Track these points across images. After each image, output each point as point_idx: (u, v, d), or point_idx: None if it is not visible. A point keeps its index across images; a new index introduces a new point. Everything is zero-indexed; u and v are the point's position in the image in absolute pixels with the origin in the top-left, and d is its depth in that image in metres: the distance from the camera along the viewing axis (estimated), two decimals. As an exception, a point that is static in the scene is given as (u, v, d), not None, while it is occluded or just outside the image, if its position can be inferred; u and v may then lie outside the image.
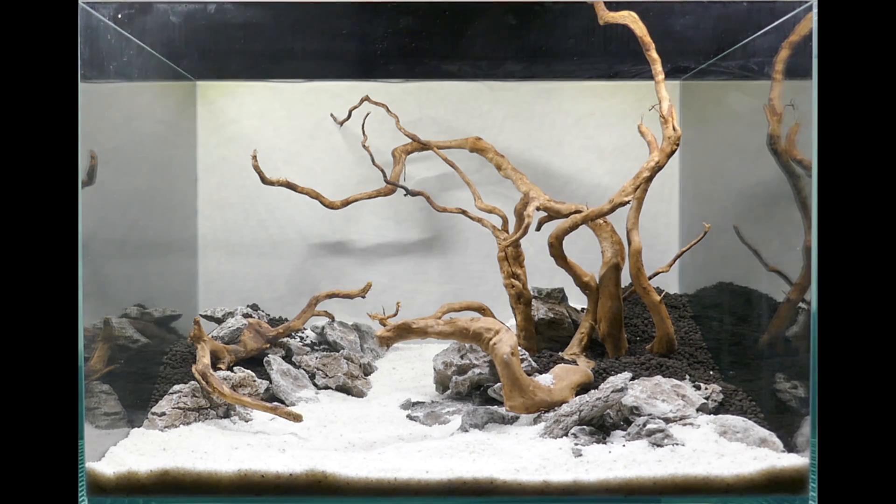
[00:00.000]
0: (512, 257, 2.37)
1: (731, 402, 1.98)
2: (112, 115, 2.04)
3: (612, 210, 2.08)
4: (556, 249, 2.24)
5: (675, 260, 2.34)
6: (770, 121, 2.00)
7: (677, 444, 1.74)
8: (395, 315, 2.43)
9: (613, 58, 2.42)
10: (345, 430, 1.95)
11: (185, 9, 2.04)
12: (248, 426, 1.99)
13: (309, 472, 1.65)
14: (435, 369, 2.24)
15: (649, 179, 2.07)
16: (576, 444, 1.76)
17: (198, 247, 2.81)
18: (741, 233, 2.22)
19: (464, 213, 2.61)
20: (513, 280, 2.36)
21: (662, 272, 2.36)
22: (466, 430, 1.88)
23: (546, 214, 2.35)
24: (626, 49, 2.18)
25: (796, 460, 1.69)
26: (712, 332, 2.39)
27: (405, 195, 2.67)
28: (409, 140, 2.69)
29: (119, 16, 1.95)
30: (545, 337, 2.43)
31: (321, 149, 2.82)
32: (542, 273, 2.50)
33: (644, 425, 1.78)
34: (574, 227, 2.18)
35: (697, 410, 1.89)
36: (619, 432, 1.82)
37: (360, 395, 2.29)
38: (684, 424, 1.84)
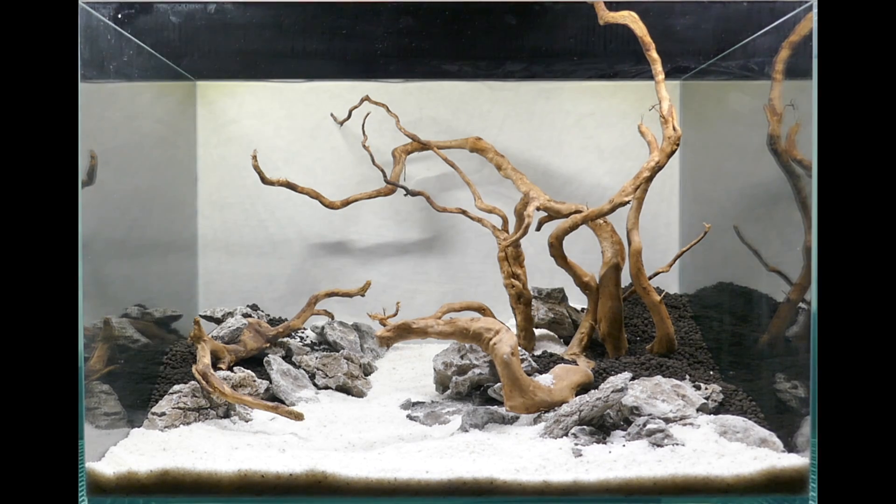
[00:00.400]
0: (512, 257, 2.37)
1: (732, 403, 1.98)
2: (112, 115, 2.04)
3: (613, 210, 2.08)
4: (556, 249, 2.24)
5: (675, 260, 2.34)
6: (770, 121, 2.00)
7: (677, 445, 1.73)
8: (395, 315, 2.42)
9: (613, 58, 2.42)
10: (345, 430, 1.95)
11: (184, 9, 2.04)
12: (248, 426, 1.99)
13: (309, 473, 1.65)
14: (435, 369, 2.23)
15: (649, 179, 2.07)
16: (576, 445, 1.76)
17: (198, 247, 2.81)
18: (741, 233, 2.22)
19: (464, 213, 2.60)
20: (513, 280, 2.36)
21: (662, 272, 2.36)
22: (466, 430, 1.88)
23: (546, 214, 2.35)
24: (626, 49, 2.18)
25: (796, 460, 1.69)
26: (712, 332, 2.39)
27: (405, 195, 2.66)
28: (409, 140, 2.69)
29: (119, 16, 1.95)
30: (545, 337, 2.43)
31: (321, 149, 2.82)
32: (542, 273, 2.51)
33: (644, 425, 1.78)
34: (574, 227, 2.18)
35: (697, 410, 1.89)
36: (620, 432, 1.81)
37: (360, 395, 2.29)
38: (684, 424, 1.84)
